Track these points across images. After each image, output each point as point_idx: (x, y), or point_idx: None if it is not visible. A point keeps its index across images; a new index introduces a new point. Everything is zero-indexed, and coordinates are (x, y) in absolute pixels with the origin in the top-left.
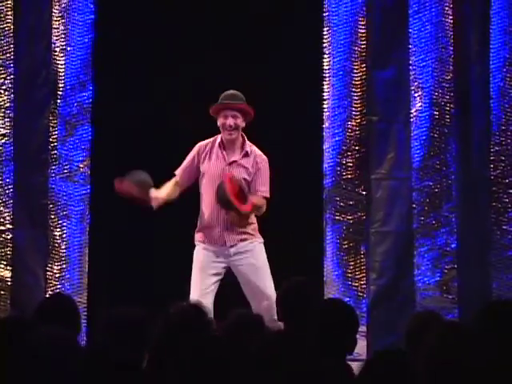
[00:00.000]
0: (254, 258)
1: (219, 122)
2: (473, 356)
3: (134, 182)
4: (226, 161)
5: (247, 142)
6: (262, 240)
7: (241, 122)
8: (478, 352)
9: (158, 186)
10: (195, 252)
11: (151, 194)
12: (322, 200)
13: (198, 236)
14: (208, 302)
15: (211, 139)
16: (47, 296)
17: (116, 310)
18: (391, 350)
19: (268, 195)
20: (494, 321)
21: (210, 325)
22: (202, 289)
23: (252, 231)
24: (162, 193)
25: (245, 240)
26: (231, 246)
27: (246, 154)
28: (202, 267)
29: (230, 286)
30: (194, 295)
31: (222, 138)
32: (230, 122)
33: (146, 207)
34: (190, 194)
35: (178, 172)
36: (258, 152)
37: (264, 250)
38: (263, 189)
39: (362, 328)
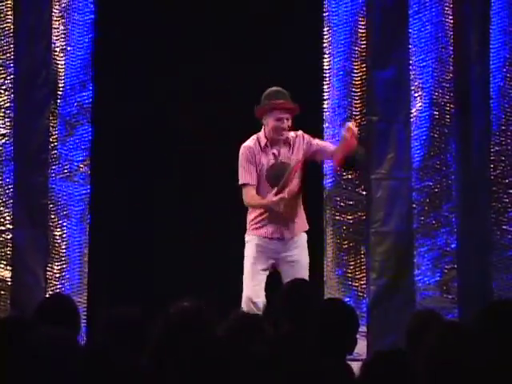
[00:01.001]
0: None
1: (271, 123)
2: (473, 356)
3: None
4: (275, 157)
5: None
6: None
7: (290, 122)
8: (478, 352)
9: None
10: (247, 247)
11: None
12: (322, 200)
13: (252, 231)
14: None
15: (253, 140)
16: (47, 296)
17: (115, 310)
18: (391, 350)
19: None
20: (494, 321)
21: (210, 325)
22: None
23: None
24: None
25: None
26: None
27: (286, 142)
28: (254, 262)
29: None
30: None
31: (267, 137)
32: (285, 125)
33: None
34: (191, 194)
35: (250, 181)
36: (293, 134)
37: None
38: (327, 143)
39: (362, 328)
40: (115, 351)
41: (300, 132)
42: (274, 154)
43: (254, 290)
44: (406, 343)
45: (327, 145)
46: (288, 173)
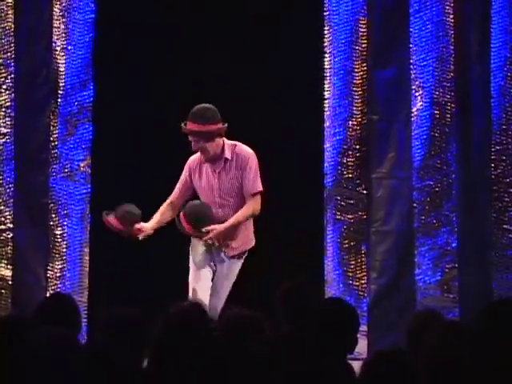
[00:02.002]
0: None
1: None
2: (473, 356)
3: (119, 216)
4: (214, 175)
5: (227, 145)
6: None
7: (204, 143)
8: (479, 352)
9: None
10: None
11: (136, 226)
12: (322, 199)
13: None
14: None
15: (198, 153)
16: (47, 295)
17: (115, 310)
18: (391, 349)
19: (258, 189)
20: (495, 320)
21: (210, 325)
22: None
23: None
24: (151, 222)
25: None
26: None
27: (226, 160)
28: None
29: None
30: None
31: None
32: (194, 147)
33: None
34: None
35: (172, 195)
36: (240, 151)
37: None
38: (250, 187)
39: (363, 327)
40: (115, 351)
41: (247, 154)
42: (212, 171)
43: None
44: (406, 343)
45: (244, 189)
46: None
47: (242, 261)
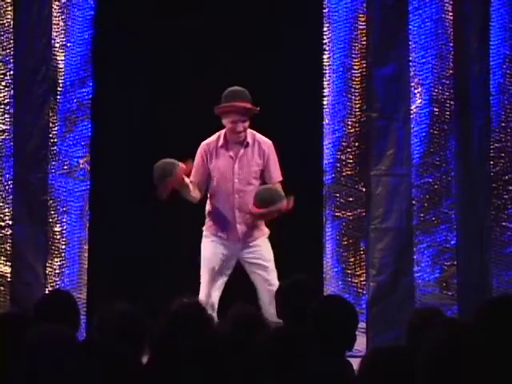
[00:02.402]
0: (262, 252)
1: (227, 125)
2: (472, 353)
3: (158, 181)
4: (233, 159)
5: (249, 132)
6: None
7: (248, 124)
8: (478, 349)
9: None
10: (203, 245)
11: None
12: (321, 196)
13: (208, 229)
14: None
15: (214, 138)
16: (46, 292)
17: (113, 307)
18: (388, 346)
19: (281, 178)
20: (495, 318)
21: (211, 322)
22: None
23: (262, 226)
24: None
25: (256, 235)
26: (244, 241)
27: (248, 145)
28: (210, 262)
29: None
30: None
31: (226, 137)
32: (240, 127)
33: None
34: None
35: (192, 179)
36: (261, 139)
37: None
38: (276, 174)
39: (362, 324)
40: (113, 347)
41: (268, 142)
42: (230, 156)
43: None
44: (406, 339)
45: (271, 176)
46: (275, 208)
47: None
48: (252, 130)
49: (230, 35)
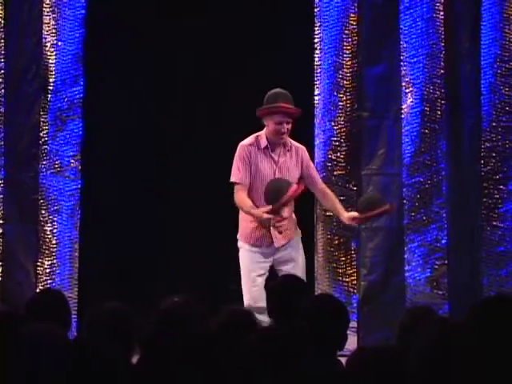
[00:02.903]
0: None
1: (270, 126)
2: (464, 353)
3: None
4: (275, 162)
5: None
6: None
7: (291, 126)
8: (470, 349)
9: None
10: (241, 255)
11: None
12: (313, 196)
13: (243, 238)
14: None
15: (252, 139)
16: (37, 291)
17: (103, 305)
18: (375, 346)
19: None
20: (487, 318)
21: (202, 321)
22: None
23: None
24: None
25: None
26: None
27: (288, 150)
28: (249, 270)
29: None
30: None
31: (268, 139)
32: (284, 128)
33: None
34: (182, 190)
35: (241, 180)
36: (296, 144)
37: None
38: (318, 179)
39: (353, 324)
40: (103, 347)
41: (303, 147)
42: (273, 159)
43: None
44: (397, 338)
45: (316, 179)
46: (287, 197)
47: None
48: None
49: (222, 36)
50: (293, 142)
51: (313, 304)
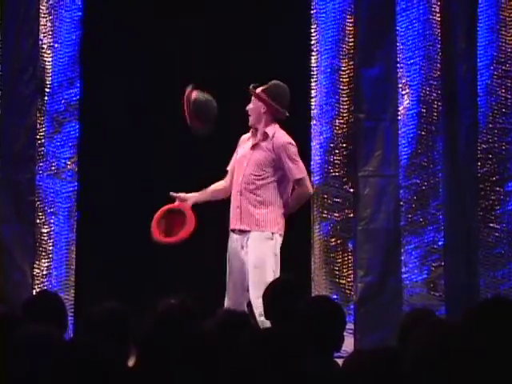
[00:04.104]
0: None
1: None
2: (462, 355)
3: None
4: (249, 149)
5: (271, 127)
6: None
7: (254, 109)
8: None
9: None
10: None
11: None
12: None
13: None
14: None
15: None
16: (34, 293)
17: (99, 306)
18: (372, 349)
19: (300, 175)
20: (485, 319)
21: (198, 322)
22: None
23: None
24: (196, 194)
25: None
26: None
27: (265, 138)
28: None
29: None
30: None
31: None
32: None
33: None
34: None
35: (228, 168)
36: (278, 136)
37: (268, 240)
38: (293, 173)
39: (350, 325)
40: (99, 348)
41: (279, 141)
42: (250, 141)
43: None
44: (397, 340)
45: (289, 176)
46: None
47: (269, 242)
48: (278, 129)
49: (219, 37)
50: (278, 135)
51: (310, 305)
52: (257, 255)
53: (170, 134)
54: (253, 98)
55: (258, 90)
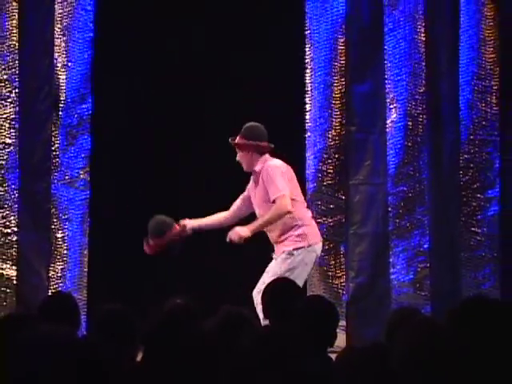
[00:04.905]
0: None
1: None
2: (446, 352)
3: (153, 235)
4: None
5: (260, 162)
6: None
7: (242, 156)
8: (451, 348)
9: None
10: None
11: (182, 223)
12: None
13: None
14: None
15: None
16: (49, 294)
17: (107, 308)
18: (363, 346)
19: (277, 195)
20: (468, 317)
21: (201, 322)
22: None
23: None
24: (200, 220)
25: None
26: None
27: (258, 175)
28: None
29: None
30: None
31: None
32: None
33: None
34: (186, 198)
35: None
36: (263, 167)
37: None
38: (270, 195)
39: (342, 322)
40: (107, 346)
41: (265, 168)
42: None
43: None
44: (385, 336)
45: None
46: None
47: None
48: (267, 159)
49: (220, 49)
50: (266, 164)
51: (305, 304)
52: None
53: (177, 143)
54: (236, 149)
55: (237, 139)
